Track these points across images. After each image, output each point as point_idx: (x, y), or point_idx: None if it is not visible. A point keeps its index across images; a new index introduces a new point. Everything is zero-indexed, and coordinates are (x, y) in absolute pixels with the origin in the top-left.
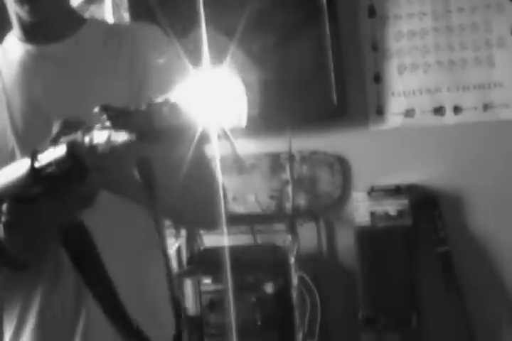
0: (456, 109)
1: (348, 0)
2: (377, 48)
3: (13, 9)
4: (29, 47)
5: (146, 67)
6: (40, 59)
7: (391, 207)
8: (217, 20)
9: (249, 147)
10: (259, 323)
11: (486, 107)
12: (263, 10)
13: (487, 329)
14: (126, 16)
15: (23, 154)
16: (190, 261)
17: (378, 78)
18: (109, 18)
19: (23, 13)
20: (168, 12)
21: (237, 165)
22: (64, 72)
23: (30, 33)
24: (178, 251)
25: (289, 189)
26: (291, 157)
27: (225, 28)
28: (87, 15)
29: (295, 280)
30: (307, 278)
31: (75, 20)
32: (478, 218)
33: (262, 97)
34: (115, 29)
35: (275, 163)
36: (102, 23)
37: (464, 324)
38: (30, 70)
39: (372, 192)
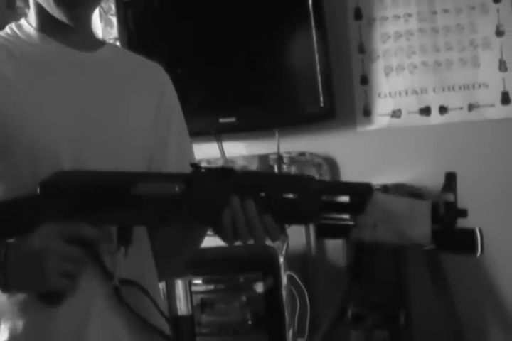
0: (442, 109)
1: (334, 3)
2: (364, 50)
3: (47, 8)
4: (55, 42)
5: (171, 108)
6: (68, 59)
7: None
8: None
9: (238, 149)
10: (249, 322)
11: (472, 107)
12: (250, 13)
13: (475, 326)
14: (113, 20)
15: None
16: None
17: (365, 79)
18: (97, 22)
19: (63, 17)
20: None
21: None
22: (92, 80)
23: (54, 32)
24: None
25: None
26: (279, 158)
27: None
28: None
29: (285, 280)
30: (296, 277)
31: (96, 40)
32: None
33: (250, 100)
34: (136, 57)
35: (264, 164)
36: (119, 48)
37: (452, 320)
38: (57, 67)
39: None
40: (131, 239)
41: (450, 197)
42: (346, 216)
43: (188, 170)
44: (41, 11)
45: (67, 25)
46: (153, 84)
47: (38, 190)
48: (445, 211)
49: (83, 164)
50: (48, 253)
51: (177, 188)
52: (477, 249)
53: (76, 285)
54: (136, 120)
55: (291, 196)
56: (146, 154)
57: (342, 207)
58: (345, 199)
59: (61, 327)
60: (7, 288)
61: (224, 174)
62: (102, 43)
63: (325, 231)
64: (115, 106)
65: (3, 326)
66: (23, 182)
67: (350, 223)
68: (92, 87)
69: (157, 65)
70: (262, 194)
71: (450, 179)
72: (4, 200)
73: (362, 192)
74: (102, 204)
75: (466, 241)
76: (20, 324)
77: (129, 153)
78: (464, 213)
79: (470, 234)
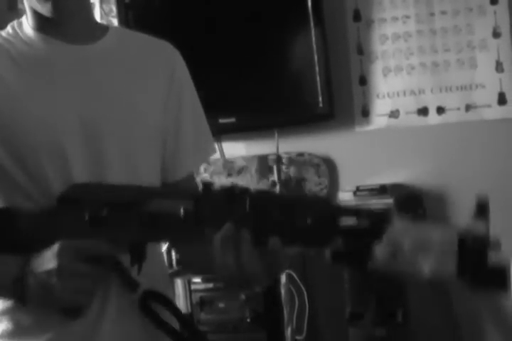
0: (440, 110)
1: (333, 4)
2: (363, 51)
3: (31, 4)
4: (54, 41)
5: (182, 86)
6: (68, 56)
7: (376, 206)
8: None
9: (238, 149)
10: (248, 320)
11: (469, 108)
12: (250, 15)
13: (471, 323)
14: (114, 22)
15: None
16: (180, 260)
17: (364, 80)
18: None
19: (45, 11)
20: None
21: None
22: (95, 73)
23: (51, 30)
24: (169, 251)
25: (277, 190)
26: (278, 158)
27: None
28: None
29: (283, 278)
30: (295, 276)
31: (98, 28)
32: (461, 215)
33: (249, 100)
34: (143, 38)
35: (263, 164)
36: (125, 31)
37: (449, 318)
38: (59, 66)
39: (358, 191)
40: (145, 255)
41: (481, 228)
42: (363, 243)
43: (204, 148)
44: (33, 10)
45: (61, 21)
46: (162, 64)
47: (56, 203)
48: (475, 244)
49: (93, 160)
50: (60, 271)
51: (182, 210)
52: (509, 287)
53: (91, 300)
54: (146, 105)
55: (305, 220)
56: (159, 138)
57: (359, 234)
58: (362, 225)
59: (75, 326)
60: (24, 302)
61: (233, 196)
62: (105, 30)
63: (340, 258)
64: (121, 97)
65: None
66: (34, 183)
67: (367, 251)
68: (94, 80)
69: (166, 42)
70: (274, 217)
71: (482, 206)
72: (23, 211)
73: (380, 219)
74: (116, 221)
75: (496, 277)
76: (30, 321)
77: (140, 142)
78: (496, 246)
79: (500, 270)
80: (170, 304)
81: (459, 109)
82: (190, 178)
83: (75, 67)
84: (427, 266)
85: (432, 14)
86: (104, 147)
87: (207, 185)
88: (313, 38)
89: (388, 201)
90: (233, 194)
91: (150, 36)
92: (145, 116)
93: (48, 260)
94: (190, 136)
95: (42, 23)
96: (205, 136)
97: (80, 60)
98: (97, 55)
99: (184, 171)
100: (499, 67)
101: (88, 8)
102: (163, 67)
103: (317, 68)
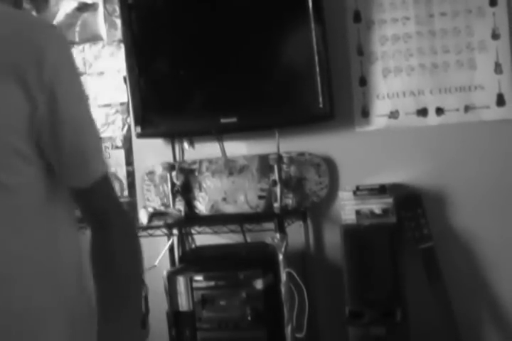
0: (439, 111)
1: (334, 5)
2: (363, 52)
3: None
4: None
5: (56, 77)
6: None
7: (376, 205)
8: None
9: (239, 149)
10: (249, 318)
11: (468, 109)
12: (251, 16)
13: (470, 323)
14: (118, 22)
15: None
16: (182, 258)
17: (364, 81)
18: (102, 24)
19: None
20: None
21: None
22: None
23: None
24: (171, 249)
25: (277, 189)
26: (279, 158)
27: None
28: (79, 22)
29: (284, 277)
30: (295, 275)
31: None
32: (460, 215)
33: (250, 100)
34: (8, 23)
35: (264, 164)
36: None
37: (448, 317)
38: None
39: (358, 191)
40: None
41: None
42: None
43: (86, 167)
44: None
45: None
46: (22, 56)
47: None
48: None
49: None
50: None
51: None
52: None
53: None
54: None
55: None
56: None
57: None
58: None
59: None
60: None
61: None
62: None
63: None
64: None
65: None
66: None
67: None
68: None
69: (36, 24)
70: None
71: None
72: None
73: None
74: None
75: None
76: None
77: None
78: None
79: None
80: None
81: (458, 110)
82: (90, 192)
83: None
84: None
85: (432, 16)
86: None
87: None
88: (314, 39)
89: (388, 200)
90: None
91: (16, 15)
92: None
93: None
94: (66, 150)
95: None
96: (86, 152)
97: None
98: None
99: (72, 183)
100: (498, 68)
101: None
102: (23, 61)
103: (317, 69)
